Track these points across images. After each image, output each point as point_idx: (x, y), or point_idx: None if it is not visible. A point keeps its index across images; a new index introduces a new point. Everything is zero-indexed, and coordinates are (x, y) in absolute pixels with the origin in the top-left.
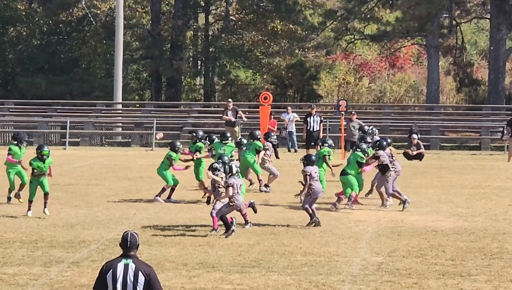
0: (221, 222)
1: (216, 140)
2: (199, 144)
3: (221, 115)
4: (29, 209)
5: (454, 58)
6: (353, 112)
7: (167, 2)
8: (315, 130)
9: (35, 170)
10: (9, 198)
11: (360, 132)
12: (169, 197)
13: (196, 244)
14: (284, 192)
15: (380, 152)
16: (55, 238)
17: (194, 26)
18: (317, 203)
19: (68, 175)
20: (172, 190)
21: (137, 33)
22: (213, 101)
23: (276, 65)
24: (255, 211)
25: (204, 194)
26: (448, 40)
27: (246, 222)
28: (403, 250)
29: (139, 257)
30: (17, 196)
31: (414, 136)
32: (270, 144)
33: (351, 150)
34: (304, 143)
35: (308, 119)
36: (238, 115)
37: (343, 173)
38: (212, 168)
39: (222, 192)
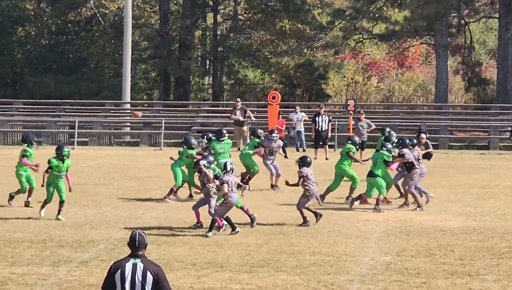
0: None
1: (213, 138)
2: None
3: (230, 114)
4: (42, 208)
5: (463, 57)
6: (361, 112)
7: (175, 1)
8: (323, 129)
9: (52, 169)
10: (11, 197)
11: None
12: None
13: (205, 243)
14: (292, 191)
15: (405, 150)
16: (64, 238)
17: (203, 26)
18: (331, 201)
19: (77, 175)
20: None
21: (146, 33)
22: (221, 101)
23: (285, 64)
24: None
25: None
26: (457, 40)
27: (252, 220)
28: (411, 250)
29: (147, 256)
30: (27, 204)
31: (423, 135)
32: (275, 143)
33: (359, 149)
34: (313, 143)
35: (317, 118)
36: (246, 114)
37: (371, 174)
38: (199, 169)
39: (211, 188)
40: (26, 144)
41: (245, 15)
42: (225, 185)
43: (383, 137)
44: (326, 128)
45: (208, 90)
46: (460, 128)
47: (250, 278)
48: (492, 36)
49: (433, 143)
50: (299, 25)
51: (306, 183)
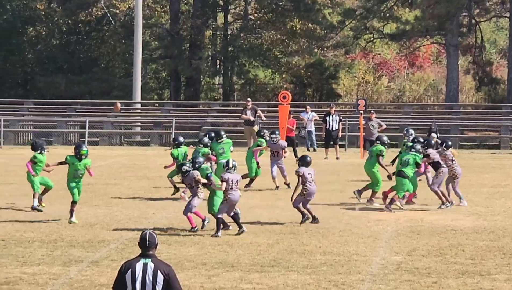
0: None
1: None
2: (175, 151)
3: (240, 114)
4: (72, 215)
5: (474, 57)
6: (372, 111)
7: (186, 1)
8: (334, 129)
9: (66, 164)
10: (34, 208)
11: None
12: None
13: (215, 243)
14: None
15: (429, 150)
16: (75, 238)
17: (213, 26)
18: (344, 202)
19: (87, 175)
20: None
21: (156, 33)
22: (232, 101)
23: (295, 64)
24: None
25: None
26: (468, 39)
27: (240, 227)
28: (422, 249)
29: (158, 256)
30: (40, 200)
31: (433, 135)
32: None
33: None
34: (323, 142)
35: (327, 118)
36: (257, 114)
37: (401, 174)
38: (182, 172)
39: (200, 190)
40: (38, 151)
41: (255, 14)
42: (224, 183)
43: (405, 139)
44: (337, 127)
45: (219, 90)
46: (471, 128)
47: (261, 278)
48: (502, 36)
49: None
50: (309, 24)
51: (304, 182)
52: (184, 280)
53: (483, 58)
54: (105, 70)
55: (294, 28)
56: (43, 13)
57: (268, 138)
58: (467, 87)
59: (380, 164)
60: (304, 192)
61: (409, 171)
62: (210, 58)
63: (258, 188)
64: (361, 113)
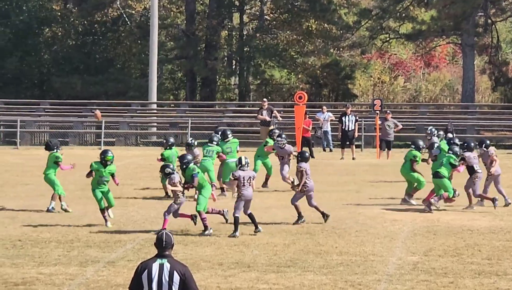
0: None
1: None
2: (167, 152)
3: (256, 114)
4: (106, 220)
5: (490, 56)
6: (388, 111)
7: (201, 1)
8: (350, 129)
9: (93, 173)
10: (64, 209)
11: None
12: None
13: (232, 243)
14: (319, 191)
15: (467, 154)
16: (91, 238)
17: (229, 26)
18: (360, 203)
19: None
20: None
21: (172, 33)
22: (248, 101)
23: (311, 64)
24: (226, 221)
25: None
26: (484, 39)
27: (205, 228)
28: (439, 249)
29: (174, 256)
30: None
31: (449, 135)
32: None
33: (386, 149)
34: (339, 143)
35: (343, 118)
36: (273, 114)
37: (437, 175)
38: (165, 174)
39: (179, 195)
40: (54, 150)
41: (271, 15)
42: (235, 181)
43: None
44: (353, 128)
45: (235, 90)
46: (487, 128)
47: (277, 278)
48: None
49: (460, 142)
50: (325, 25)
51: (305, 178)
52: (201, 280)
53: (499, 58)
54: (121, 71)
55: (310, 28)
56: (59, 13)
57: (275, 141)
58: (483, 87)
59: (414, 170)
60: (304, 189)
61: (444, 171)
62: (225, 58)
63: (274, 188)
64: (377, 113)
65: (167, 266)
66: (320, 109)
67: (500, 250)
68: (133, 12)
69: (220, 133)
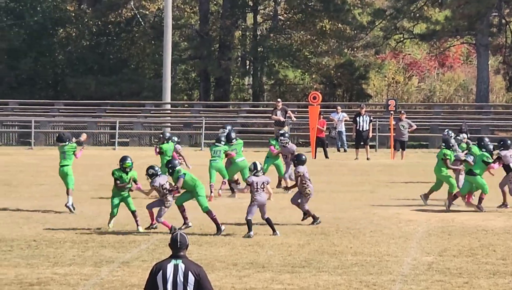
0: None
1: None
2: (165, 145)
3: (270, 115)
4: (109, 221)
5: (504, 56)
6: (402, 112)
7: (215, 2)
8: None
9: (118, 181)
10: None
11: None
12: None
13: (246, 244)
14: (334, 191)
15: (503, 153)
16: (106, 238)
17: (243, 26)
18: (375, 203)
19: None
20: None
21: (186, 33)
22: (261, 101)
23: (325, 64)
24: (218, 233)
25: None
26: (498, 39)
27: (185, 222)
28: (453, 250)
29: (189, 257)
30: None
31: (464, 135)
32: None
33: (400, 149)
34: (354, 143)
35: (358, 118)
36: (287, 115)
37: (470, 173)
38: (148, 175)
39: (167, 198)
40: (67, 142)
41: (285, 15)
42: (248, 187)
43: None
44: (367, 128)
45: (248, 91)
46: (501, 128)
47: (292, 279)
48: None
49: (474, 143)
50: (339, 25)
51: (304, 182)
52: (215, 280)
53: None
54: (135, 71)
55: (324, 29)
56: (73, 14)
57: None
58: (497, 87)
59: (449, 167)
60: (308, 192)
61: (477, 169)
62: (239, 58)
63: None
64: (392, 113)
65: (182, 266)
66: (335, 110)
67: None
68: (147, 12)
69: (224, 136)
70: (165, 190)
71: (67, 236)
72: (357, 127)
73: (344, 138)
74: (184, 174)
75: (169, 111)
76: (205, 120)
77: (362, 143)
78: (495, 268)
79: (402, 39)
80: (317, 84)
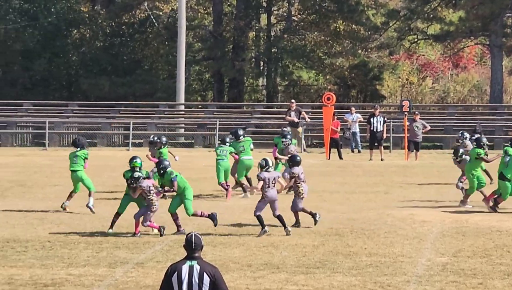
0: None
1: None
2: (164, 150)
3: (284, 115)
4: (111, 226)
5: None
6: (416, 112)
7: (229, 3)
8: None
9: (129, 182)
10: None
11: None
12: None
13: (261, 245)
14: (348, 192)
15: None
16: (120, 239)
17: (256, 27)
18: (388, 204)
19: None
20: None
21: (199, 34)
22: (275, 102)
23: (339, 65)
24: (215, 224)
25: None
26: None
27: (178, 230)
28: (468, 251)
29: (203, 258)
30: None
31: (478, 136)
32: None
33: (414, 150)
34: (368, 144)
35: (372, 119)
36: (301, 115)
37: (502, 177)
38: (134, 179)
39: (154, 203)
40: (80, 148)
41: (299, 16)
42: (261, 182)
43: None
44: (381, 129)
45: (262, 91)
46: None
47: (306, 279)
48: None
49: (488, 143)
50: (353, 26)
51: (298, 183)
52: (230, 281)
53: None
54: (149, 72)
55: (338, 29)
56: (87, 15)
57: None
58: None
59: (489, 161)
60: (301, 191)
61: (508, 173)
62: (253, 59)
63: None
64: (406, 114)
65: (197, 268)
66: (349, 110)
67: None
68: (161, 13)
69: (232, 133)
70: (151, 192)
71: (81, 237)
72: (371, 128)
73: (358, 139)
74: (176, 175)
75: (183, 112)
76: (219, 121)
77: (376, 144)
78: (510, 269)
79: (416, 40)
80: (331, 85)
